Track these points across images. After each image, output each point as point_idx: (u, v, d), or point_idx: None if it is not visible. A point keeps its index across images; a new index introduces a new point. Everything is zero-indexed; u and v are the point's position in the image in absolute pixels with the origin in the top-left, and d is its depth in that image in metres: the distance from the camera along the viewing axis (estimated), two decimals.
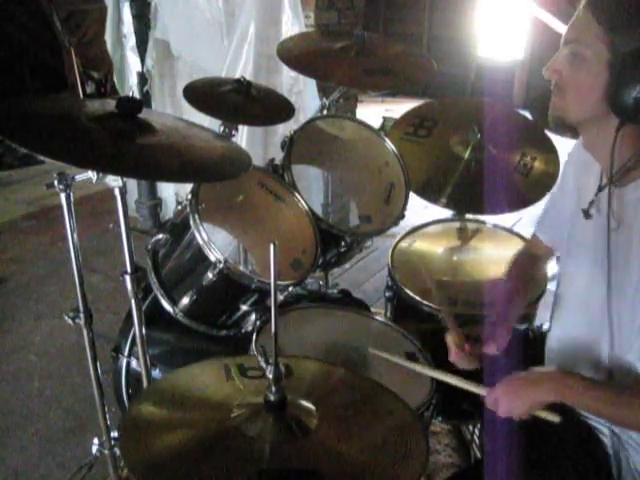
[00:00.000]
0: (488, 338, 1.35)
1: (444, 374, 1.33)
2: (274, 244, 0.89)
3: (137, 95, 3.45)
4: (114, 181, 1.33)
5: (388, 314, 1.97)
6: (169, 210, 3.78)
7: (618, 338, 1.22)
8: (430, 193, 2.10)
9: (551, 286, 1.68)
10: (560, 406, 1.18)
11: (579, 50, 1.12)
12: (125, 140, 1.17)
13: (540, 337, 1.64)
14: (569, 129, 1.24)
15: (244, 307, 1.63)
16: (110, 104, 1.23)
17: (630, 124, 1.12)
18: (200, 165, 1.24)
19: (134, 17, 3.42)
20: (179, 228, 1.61)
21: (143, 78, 3.54)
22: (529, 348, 1.61)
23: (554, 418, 1.16)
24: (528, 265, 1.57)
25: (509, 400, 1.18)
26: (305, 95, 3.36)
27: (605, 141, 1.17)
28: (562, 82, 1.17)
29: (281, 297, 1.64)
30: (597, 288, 1.25)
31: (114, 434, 1.67)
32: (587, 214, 1.26)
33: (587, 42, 1.11)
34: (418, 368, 1.41)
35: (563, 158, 2.13)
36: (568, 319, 1.38)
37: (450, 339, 1.39)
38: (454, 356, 1.38)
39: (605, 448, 1.30)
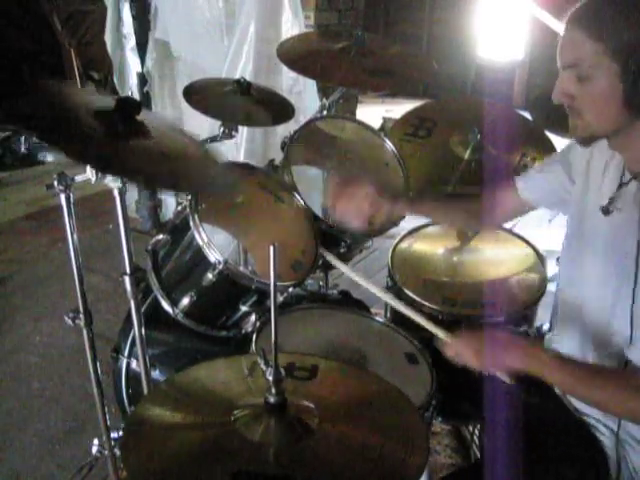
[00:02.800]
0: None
1: (411, 311, 1.41)
2: (273, 245, 0.89)
3: (137, 95, 3.45)
4: (113, 182, 1.33)
5: (388, 315, 1.97)
6: (169, 211, 3.78)
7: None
8: (430, 194, 2.09)
9: (551, 287, 1.68)
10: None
11: (583, 72, 1.10)
12: (119, 140, 1.17)
13: (539, 338, 1.64)
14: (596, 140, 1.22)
15: (244, 308, 1.63)
16: (112, 101, 1.22)
17: None
18: (187, 176, 1.24)
19: (134, 17, 3.42)
20: (179, 229, 1.61)
21: (143, 78, 3.54)
22: None
23: (507, 379, 1.17)
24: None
25: (471, 355, 1.19)
26: (305, 96, 3.35)
27: (635, 143, 1.16)
28: (576, 104, 1.15)
29: (281, 298, 1.64)
30: (622, 287, 1.23)
31: (114, 435, 1.67)
32: (606, 210, 1.24)
33: (589, 62, 1.09)
34: (384, 296, 1.52)
35: None
36: (574, 322, 1.36)
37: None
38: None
39: (604, 448, 1.29)
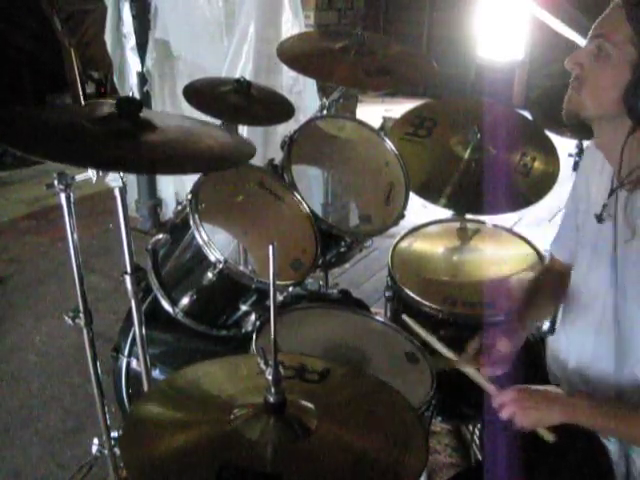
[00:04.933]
0: (503, 335, 1.34)
1: (463, 363, 1.32)
2: (273, 244, 0.89)
3: (137, 95, 3.45)
4: (114, 181, 1.33)
5: (388, 314, 1.97)
6: (169, 210, 3.78)
7: (625, 348, 1.21)
8: (430, 193, 2.09)
9: None
10: None
11: (605, 46, 1.11)
12: (128, 138, 1.18)
13: (540, 337, 1.64)
14: (581, 125, 1.22)
15: (244, 307, 1.63)
16: (110, 106, 1.23)
17: None
18: (205, 155, 1.27)
19: (134, 17, 3.42)
20: (179, 228, 1.61)
21: (143, 78, 3.54)
22: (529, 348, 1.61)
23: (549, 437, 1.16)
24: (546, 281, 1.53)
25: (518, 410, 1.18)
26: (305, 95, 3.36)
27: (618, 142, 1.16)
28: (582, 76, 1.16)
29: (281, 297, 1.64)
30: (607, 295, 1.23)
31: (114, 434, 1.66)
32: (600, 218, 1.25)
33: (615, 40, 1.10)
34: (442, 349, 1.38)
35: (563, 158, 2.14)
36: (575, 324, 1.37)
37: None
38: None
39: (609, 453, 1.29)
